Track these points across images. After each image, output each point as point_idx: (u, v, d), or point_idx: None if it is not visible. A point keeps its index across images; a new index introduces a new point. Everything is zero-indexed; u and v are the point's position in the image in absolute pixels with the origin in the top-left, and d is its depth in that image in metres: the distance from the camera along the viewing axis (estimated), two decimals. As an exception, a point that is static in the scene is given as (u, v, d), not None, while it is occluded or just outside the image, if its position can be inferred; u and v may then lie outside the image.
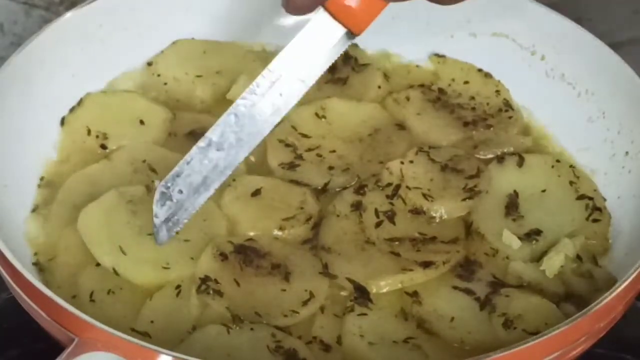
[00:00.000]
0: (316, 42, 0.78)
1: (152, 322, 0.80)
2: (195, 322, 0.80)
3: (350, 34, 0.77)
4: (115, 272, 0.83)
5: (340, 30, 0.77)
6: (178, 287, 0.83)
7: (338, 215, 0.89)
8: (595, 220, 0.90)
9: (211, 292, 0.81)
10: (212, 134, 0.81)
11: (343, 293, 0.84)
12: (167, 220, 0.83)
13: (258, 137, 0.81)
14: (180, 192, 0.82)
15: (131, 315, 0.81)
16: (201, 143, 0.81)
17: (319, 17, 0.77)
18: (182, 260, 0.84)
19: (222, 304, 0.81)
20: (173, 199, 0.83)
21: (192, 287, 0.82)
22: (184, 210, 0.83)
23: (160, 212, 0.83)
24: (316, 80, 0.80)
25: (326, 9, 0.76)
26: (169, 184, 0.82)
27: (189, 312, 0.81)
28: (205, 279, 0.82)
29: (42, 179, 0.93)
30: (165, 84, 1.02)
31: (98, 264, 0.84)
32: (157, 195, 0.83)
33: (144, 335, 0.78)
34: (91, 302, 0.82)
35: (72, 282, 0.84)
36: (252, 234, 0.87)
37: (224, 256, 0.84)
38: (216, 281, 0.82)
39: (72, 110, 0.98)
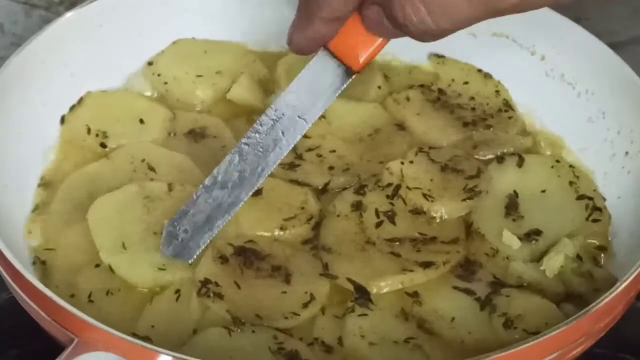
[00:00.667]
0: (317, 80, 0.80)
1: (153, 326, 0.80)
2: (196, 325, 0.80)
3: (350, 72, 0.79)
4: (111, 269, 0.83)
5: (340, 68, 0.79)
6: (178, 290, 0.83)
7: (338, 216, 0.89)
8: (595, 220, 0.90)
9: (211, 295, 0.82)
10: (218, 172, 0.82)
11: (343, 294, 0.84)
12: (171, 259, 0.84)
13: (261, 175, 0.83)
14: (186, 231, 0.83)
15: (129, 316, 0.81)
16: (207, 182, 0.83)
17: (320, 56, 0.79)
18: (179, 263, 0.84)
19: (223, 306, 0.81)
20: (179, 238, 0.83)
21: (192, 290, 0.82)
22: (188, 249, 0.84)
23: (167, 251, 0.84)
24: (317, 117, 0.82)
25: (326, 48, 0.79)
26: (175, 223, 0.83)
27: (189, 316, 0.81)
28: (205, 282, 0.82)
29: (42, 178, 0.93)
30: (166, 83, 1.02)
31: (97, 265, 0.84)
32: (164, 235, 0.84)
33: (146, 339, 0.78)
34: (89, 302, 0.82)
35: (70, 282, 0.84)
36: (253, 234, 0.87)
37: (224, 259, 0.84)
38: (216, 284, 0.82)
39: (72, 109, 0.98)
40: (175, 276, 0.83)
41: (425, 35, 0.73)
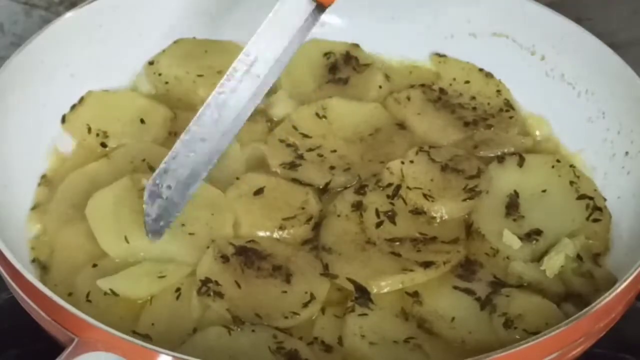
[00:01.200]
0: (288, 20, 0.78)
1: (153, 324, 0.80)
2: (196, 324, 0.80)
3: (320, 7, 0.77)
4: (113, 293, 0.82)
5: (310, 5, 0.77)
6: (178, 289, 0.83)
7: (339, 216, 0.89)
8: (595, 220, 0.90)
9: (212, 294, 0.82)
10: (195, 126, 0.81)
11: (344, 293, 0.84)
12: (158, 217, 0.83)
13: (240, 121, 0.81)
14: (169, 187, 0.83)
15: (127, 316, 0.81)
16: (184, 136, 0.81)
17: None
18: (176, 265, 0.84)
19: (223, 305, 0.81)
20: (163, 196, 0.83)
21: (192, 289, 0.82)
22: (174, 204, 0.83)
23: (151, 210, 0.83)
24: (291, 57, 0.80)
25: None
26: (157, 181, 0.82)
27: (190, 314, 0.81)
28: (206, 281, 0.82)
29: (42, 177, 0.93)
30: (167, 83, 1.02)
31: (95, 265, 0.84)
32: (146, 194, 0.83)
33: (145, 338, 0.78)
34: (87, 302, 0.82)
35: (69, 281, 0.84)
36: (253, 234, 0.87)
37: (225, 258, 0.84)
38: (217, 283, 0.82)
39: (72, 108, 0.98)
40: (175, 278, 0.83)
41: None
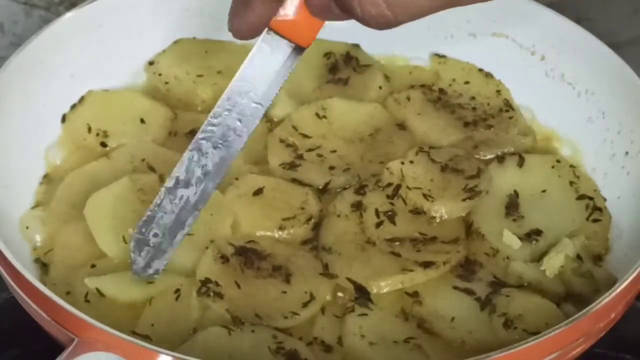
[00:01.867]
0: (267, 62, 0.77)
1: (152, 324, 0.80)
2: (196, 325, 0.80)
3: (299, 49, 0.77)
4: (100, 293, 0.82)
5: (289, 47, 0.76)
6: (178, 290, 0.83)
7: (339, 216, 0.89)
8: (595, 220, 0.90)
9: (212, 294, 0.81)
10: (178, 172, 0.80)
11: (343, 293, 0.84)
12: (147, 265, 0.83)
13: (224, 165, 0.80)
14: (156, 235, 0.81)
15: (127, 316, 0.81)
16: (168, 183, 0.80)
17: (266, 38, 0.76)
18: (165, 274, 0.84)
19: (223, 306, 0.81)
20: (150, 244, 0.82)
21: (192, 289, 0.82)
22: (162, 252, 0.82)
23: (138, 259, 0.82)
24: (272, 100, 0.79)
25: (271, 29, 0.75)
26: (143, 229, 0.81)
27: (189, 315, 0.81)
28: (205, 282, 0.82)
29: (42, 177, 0.93)
30: (167, 83, 1.02)
31: (93, 265, 0.85)
32: (132, 244, 0.82)
33: (145, 338, 0.78)
34: (86, 302, 0.82)
35: (68, 281, 0.84)
36: (253, 234, 0.87)
37: (224, 258, 0.84)
38: (217, 283, 0.82)
39: (73, 107, 0.98)
40: (163, 285, 0.83)
41: (379, 25, 0.69)
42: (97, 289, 0.82)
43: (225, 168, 0.80)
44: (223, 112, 0.78)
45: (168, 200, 0.81)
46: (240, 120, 0.79)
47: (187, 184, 0.80)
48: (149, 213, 0.81)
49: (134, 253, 0.82)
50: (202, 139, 0.79)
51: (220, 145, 0.79)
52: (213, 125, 0.79)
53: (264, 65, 0.77)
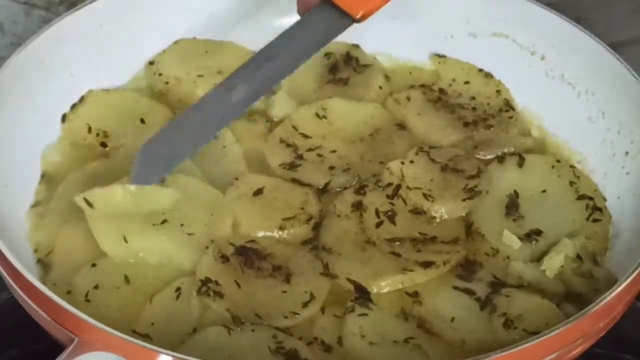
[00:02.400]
0: (315, 25, 0.81)
1: (152, 324, 0.80)
2: (196, 324, 0.80)
3: (350, 20, 0.79)
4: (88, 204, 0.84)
5: (340, 16, 0.80)
6: (178, 289, 0.83)
7: (339, 216, 0.89)
8: (595, 220, 0.90)
9: (212, 293, 0.81)
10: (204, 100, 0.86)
11: (343, 293, 0.84)
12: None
13: (253, 102, 0.86)
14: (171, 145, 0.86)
15: (127, 316, 0.81)
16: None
17: (321, 6, 0.80)
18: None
19: (223, 305, 0.81)
20: (161, 152, 0.86)
21: (192, 288, 0.82)
22: (173, 158, 0.87)
23: (142, 157, 0.86)
24: (310, 58, 0.82)
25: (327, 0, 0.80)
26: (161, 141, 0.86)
27: (189, 314, 0.81)
28: (206, 281, 0.82)
29: (42, 177, 0.93)
30: (167, 83, 1.02)
31: (94, 264, 0.85)
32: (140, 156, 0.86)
33: (145, 337, 0.78)
34: (86, 301, 0.82)
35: (68, 281, 0.84)
36: (253, 234, 0.87)
37: (225, 258, 0.84)
38: (217, 283, 0.82)
39: (73, 107, 0.98)
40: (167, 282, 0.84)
41: None
42: (86, 200, 0.83)
43: (252, 102, 0.86)
44: (261, 59, 0.83)
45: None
46: (274, 69, 0.83)
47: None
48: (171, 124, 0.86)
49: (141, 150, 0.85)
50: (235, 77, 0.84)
51: (249, 82, 0.84)
52: (247, 67, 0.84)
53: (311, 27, 0.81)
